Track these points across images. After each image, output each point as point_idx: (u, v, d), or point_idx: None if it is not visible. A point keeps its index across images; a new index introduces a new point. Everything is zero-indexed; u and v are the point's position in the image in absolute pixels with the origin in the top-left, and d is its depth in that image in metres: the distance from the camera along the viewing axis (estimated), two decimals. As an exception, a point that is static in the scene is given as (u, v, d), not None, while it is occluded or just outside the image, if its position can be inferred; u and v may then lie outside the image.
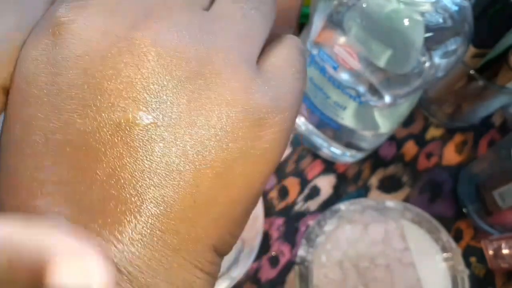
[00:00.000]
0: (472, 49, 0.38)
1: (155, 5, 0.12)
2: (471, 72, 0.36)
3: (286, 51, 0.14)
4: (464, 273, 0.37)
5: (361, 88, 0.30)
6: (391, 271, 0.36)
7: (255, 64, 0.13)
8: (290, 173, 0.41)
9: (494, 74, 0.38)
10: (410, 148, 0.43)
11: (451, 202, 0.41)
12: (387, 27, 0.26)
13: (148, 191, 0.11)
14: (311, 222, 0.39)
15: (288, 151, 0.42)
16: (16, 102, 0.12)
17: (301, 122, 0.39)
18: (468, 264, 0.39)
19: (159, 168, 0.11)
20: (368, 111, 0.32)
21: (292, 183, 0.41)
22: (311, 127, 0.39)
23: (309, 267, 0.36)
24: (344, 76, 0.30)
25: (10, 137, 0.12)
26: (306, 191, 0.41)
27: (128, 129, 0.11)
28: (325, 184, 0.41)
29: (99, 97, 0.11)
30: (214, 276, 0.13)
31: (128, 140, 0.11)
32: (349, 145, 0.38)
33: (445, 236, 0.38)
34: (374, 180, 0.42)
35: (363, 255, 0.37)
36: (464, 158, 0.43)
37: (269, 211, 0.39)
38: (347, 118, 0.34)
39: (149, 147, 0.11)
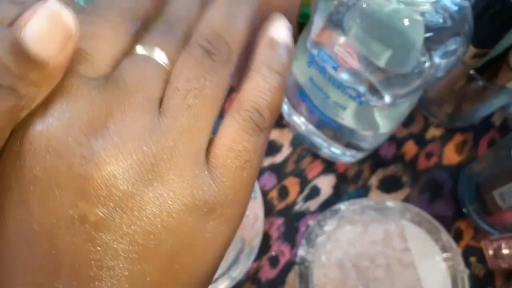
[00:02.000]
0: (472, 49, 0.38)
1: (109, 106, 0.13)
2: (471, 72, 0.36)
3: (229, 136, 0.14)
4: (464, 273, 0.37)
5: (361, 88, 0.30)
6: (391, 271, 0.36)
7: (202, 157, 0.14)
8: (290, 173, 0.41)
9: (494, 74, 0.38)
10: (410, 148, 0.43)
11: (451, 202, 0.41)
12: (387, 27, 0.26)
13: (97, 285, 0.12)
14: (311, 222, 0.39)
15: (288, 151, 0.42)
16: None
17: (301, 122, 0.39)
18: (468, 264, 0.39)
19: (106, 263, 0.12)
20: (368, 111, 0.32)
21: (292, 183, 0.41)
22: (311, 127, 0.39)
23: (309, 267, 0.36)
24: (344, 76, 0.30)
25: None
26: (306, 191, 0.41)
27: (78, 224, 0.12)
28: (325, 184, 0.41)
29: (56, 193, 0.12)
30: None
31: (79, 234, 0.12)
32: (349, 145, 0.38)
33: (445, 236, 0.38)
34: (374, 180, 0.42)
35: (363, 255, 0.37)
36: (464, 158, 0.43)
37: (269, 211, 0.39)
38: (347, 118, 0.34)
39: (98, 242, 0.12)
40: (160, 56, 0.14)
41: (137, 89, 0.13)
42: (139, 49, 0.14)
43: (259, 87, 0.15)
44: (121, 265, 0.12)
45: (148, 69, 0.14)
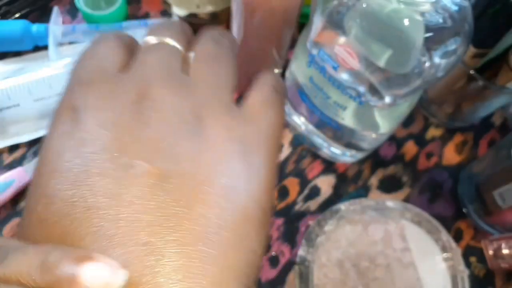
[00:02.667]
0: (472, 49, 0.38)
1: (145, 82, 0.15)
2: (471, 72, 0.36)
3: (260, 91, 0.18)
4: (464, 273, 0.37)
5: (361, 88, 0.30)
6: (391, 271, 0.36)
7: (233, 106, 0.16)
8: (290, 173, 0.41)
9: (494, 74, 0.38)
10: (410, 148, 0.43)
11: (451, 202, 0.41)
12: (387, 27, 0.26)
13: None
14: (311, 222, 0.39)
15: (288, 151, 0.42)
16: (44, 173, 0.14)
17: (301, 122, 0.39)
18: (468, 264, 0.39)
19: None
20: (368, 111, 0.32)
21: (292, 183, 0.41)
22: (311, 127, 0.39)
23: (309, 267, 0.36)
24: (344, 76, 0.30)
25: (35, 207, 0.13)
26: (306, 191, 0.41)
27: (139, 179, 0.13)
28: (325, 184, 0.41)
29: (116, 156, 0.13)
30: None
31: (138, 189, 0.13)
32: (349, 145, 0.38)
33: (445, 236, 0.38)
34: (374, 180, 0.42)
35: (363, 255, 0.37)
36: (464, 158, 0.43)
37: (269, 211, 0.39)
38: (347, 118, 0.34)
39: (153, 191, 0.13)
40: (172, 42, 0.17)
41: (160, 66, 0.16)
42: (151, 39, 0.17)
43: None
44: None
45: (164, 49, 0.16)
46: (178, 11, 0.44)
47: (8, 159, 0.39)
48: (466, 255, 0.39)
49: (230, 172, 0.14)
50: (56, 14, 0.42)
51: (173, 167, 0.13)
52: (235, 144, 0.15)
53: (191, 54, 0.17)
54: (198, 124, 0.14)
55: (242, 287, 0.13)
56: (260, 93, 0.17)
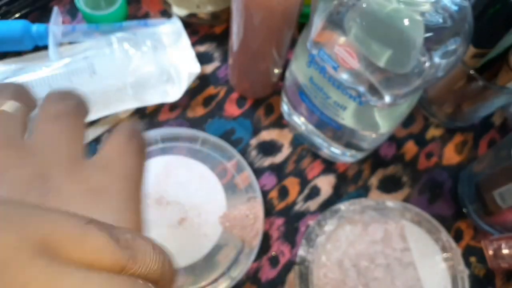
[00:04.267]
0: (472, 49, 0.38)
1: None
2: (471, 72, 0.36)
3: (115, 141, 0.18)
4: (464, 273, 0.37)
5: (361, 88, 0.30)
6: (391, 271, 0.36)
7: (82, 159, 0.17)
8: (290, 173, 0.41)
9: (494, 74, 0.38)
10: (410, 148, 0.43)
11: (451, 202, 0.41)
12: (387, 27, 0.26)
13: None
14: (311, 222, 0.39)
15: (288, 151, 0.42)
16: None
17: (301, 122, 0.39)
18: (468, 264, 0.39)
19: None
20: (368, 111, 0.32)
21: (292, 183, 0.41)
22: (311, 127, 0.39)
23: (309, 267, 0.36)
24: (344, 76, 0.30)
25: None
26: (306, 191, 0.41)
27: None
28: (325, 184, 0.41)
29: None
30: None
31: None
32: (349, 145, 0.38)
33: (445, 236, 0.38)
34: (374, 180, 0.42)
35: (363, 255, 0.37)
36: (464, 158, 0.43)
37: (269, 211, 0.39)
38: (347, 118, 0.34)
39: None
40: (10, 107, 0.17)
41: None
42: None
43: None
44: None
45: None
46: (178, 11, 0.44)
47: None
48: (466, 255, 0.39)
49: None
50: (56, 14, 0.42)
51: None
52: (88, 195, 0.15)
53: (34, 114, 0.18)
54: (44, 185, 0.15)
55: None
56: (115, 142, 0.18)
